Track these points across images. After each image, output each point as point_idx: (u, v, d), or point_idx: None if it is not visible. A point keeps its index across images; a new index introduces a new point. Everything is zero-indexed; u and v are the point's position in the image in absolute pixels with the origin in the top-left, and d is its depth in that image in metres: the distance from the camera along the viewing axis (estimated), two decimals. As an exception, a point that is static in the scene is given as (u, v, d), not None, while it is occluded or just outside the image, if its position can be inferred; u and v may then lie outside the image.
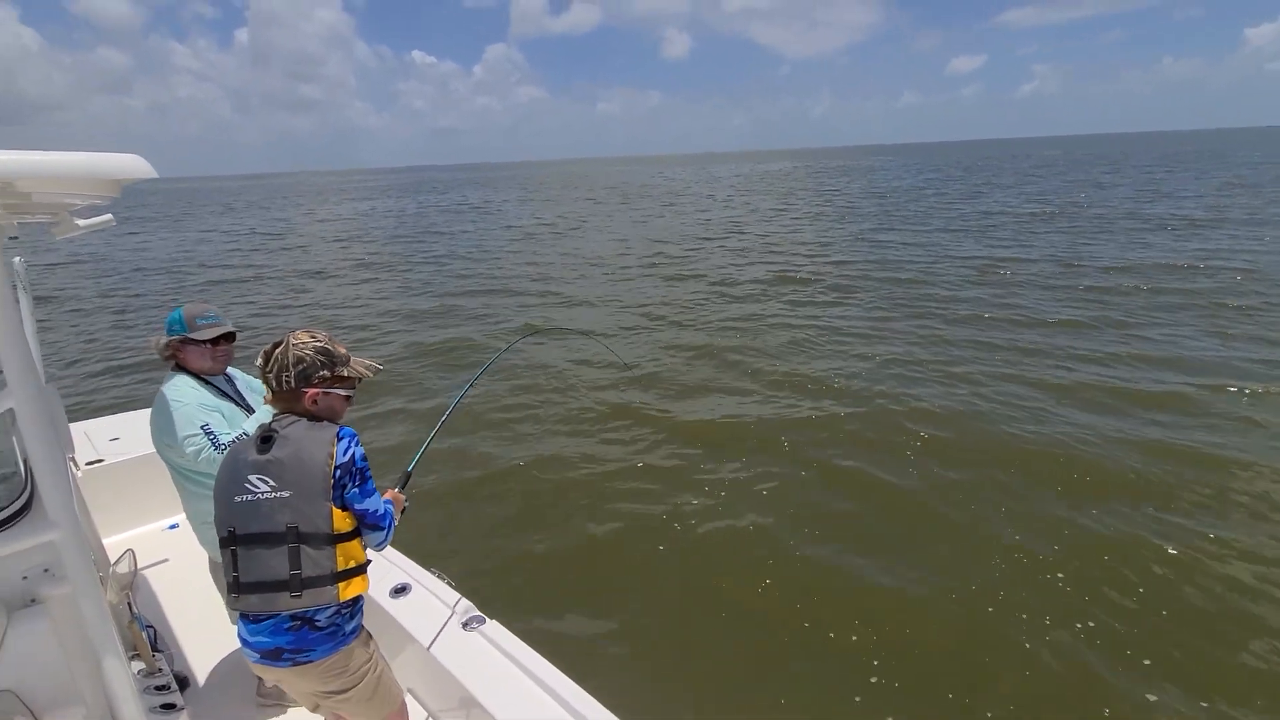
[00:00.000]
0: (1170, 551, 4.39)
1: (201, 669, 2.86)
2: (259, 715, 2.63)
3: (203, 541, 2.45)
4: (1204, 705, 3.25)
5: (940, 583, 4.21)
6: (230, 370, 2.59)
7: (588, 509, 5.29)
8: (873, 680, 3.49)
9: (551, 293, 14.05)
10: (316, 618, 1.77)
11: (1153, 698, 3.30)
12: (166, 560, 3.66)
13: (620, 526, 5.03)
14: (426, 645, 2.42)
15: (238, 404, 2.49)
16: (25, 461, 1.78)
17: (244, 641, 1.80)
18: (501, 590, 4.20)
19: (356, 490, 1.76)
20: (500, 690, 2.20)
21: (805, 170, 75.57)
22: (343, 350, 1.87)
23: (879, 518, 5.00)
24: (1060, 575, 4.22)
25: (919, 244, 17.95)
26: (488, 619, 2.53)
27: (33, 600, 1.66)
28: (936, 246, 17.33)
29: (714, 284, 13.97)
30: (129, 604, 2.23)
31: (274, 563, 1.68)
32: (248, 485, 1.70)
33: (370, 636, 1.97)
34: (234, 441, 2.15)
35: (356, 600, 1.86)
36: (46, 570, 1.67)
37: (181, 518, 3.82)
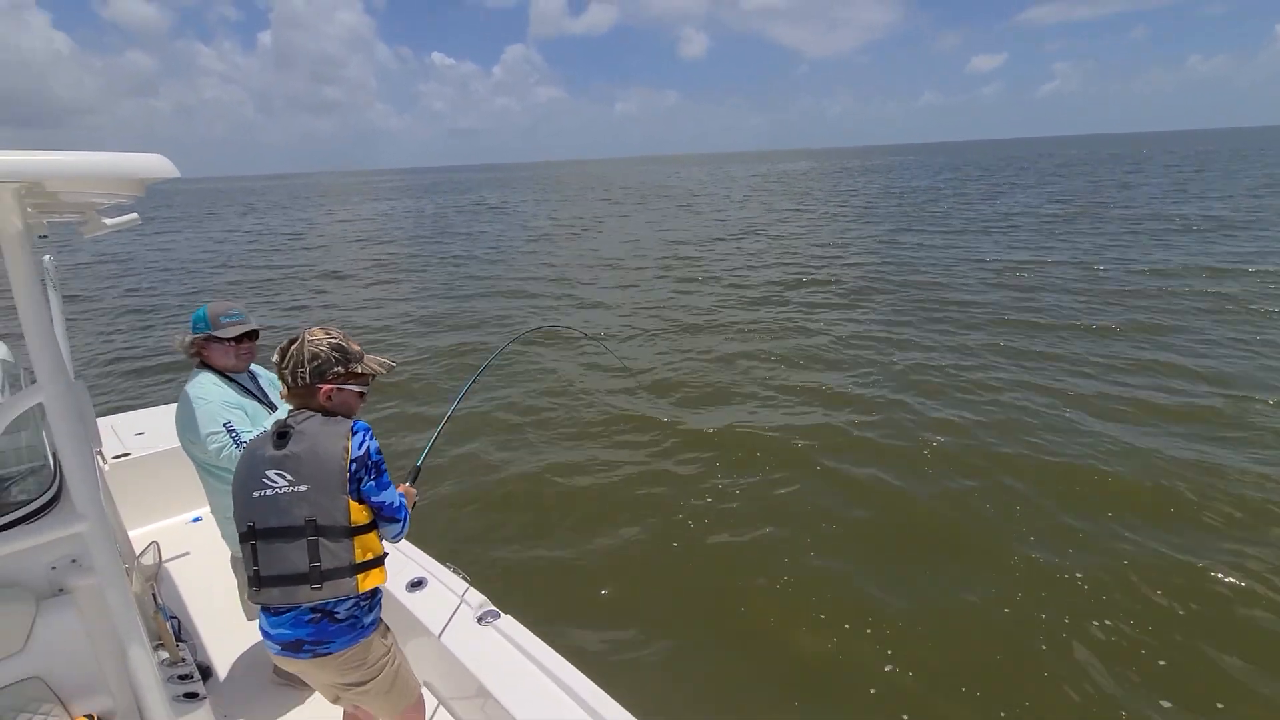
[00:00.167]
0: (1203, 570, 4.21)
1: (223, 659, 2.91)
2: (279, 705, 2.67)
3: (225, 535, 2.50)
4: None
5: (958, 596, 4.12)
6: (254, 367, 2.64)
7: (600, 514, 5.27)
8: (882, 688, 3.45)
9: (567, 295, 14.08)
10: (336, 610, 1.80)
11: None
12: (189, 553, 3.73)
13: (633, 530, 5.01)
14: (442, 639, 2.44)
15: (261, 401, 2.54)
16: (54, 455, 1.83)
17: (265, 634, 1.83)
18: (514, 591, 4.20)
19: (373, 483, 1.79)
20: (514, 684, 2.22)
21: (823, 170, 74.99)
22: (356, 347, 1.90)
23: (896, 528, 4.90)
24: (1082, 590, 4.10)
25: (937, 245, 17.74)
26: (502, 614, 2.55)
27: (61, 590, 1.70)
28: (956, 248, 17.10)
29: (730, 286, 13.90)
30: (153, 595, 2.28)
31: (293, 556, 1.70)
32: (265, 480, 1.73)
33: (388, 629, 2.00)
34: (256, 439, 2.19)
35: (375, 592, 1.90)
36: (74, 561, 1.71)
37: (205, 511, 3.90)
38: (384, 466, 1.83)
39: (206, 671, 2.77)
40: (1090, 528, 4.74)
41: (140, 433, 4.41)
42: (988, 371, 8.03)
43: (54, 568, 1.69)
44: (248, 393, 2.52)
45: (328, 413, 1.83)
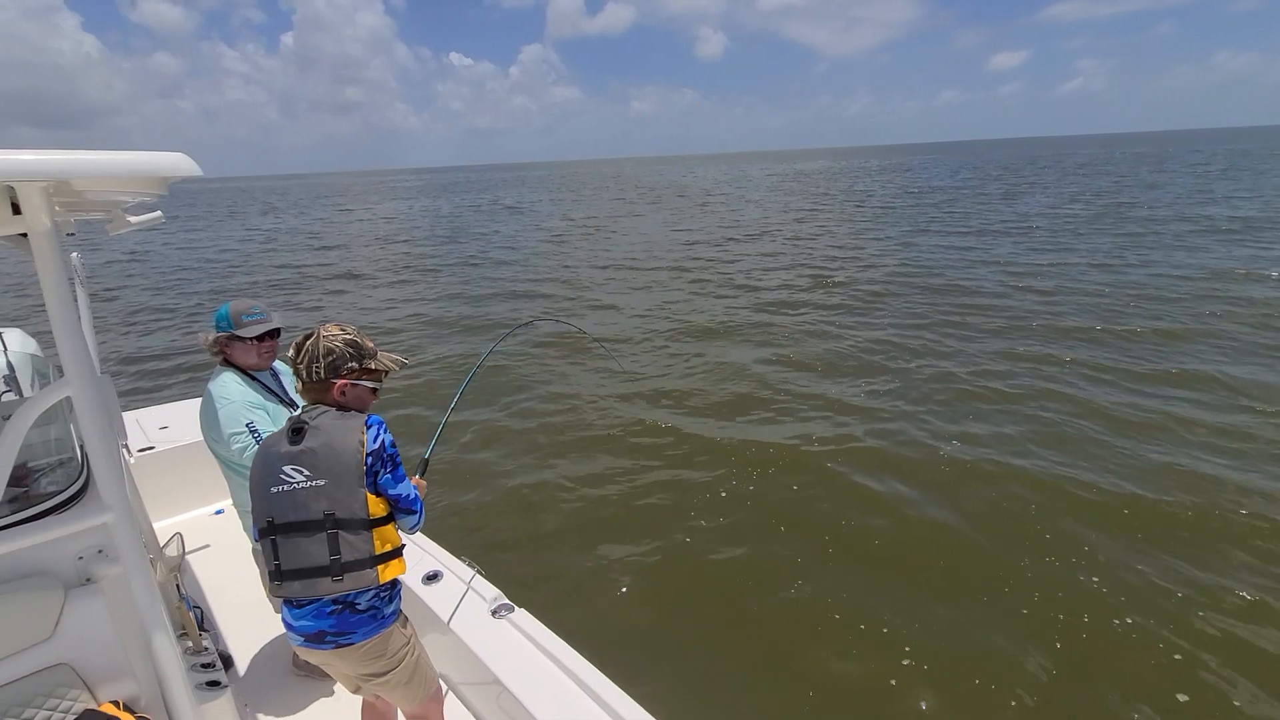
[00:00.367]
0: (1238, 593, 4.04)
1: (244, 650, 2.96)
2: (298, 695, 2.71)
3: (247, 528, 2.53)
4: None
5: (979, 618, 3.99)
6: (276, 365, 2.68)
7: (613, 520, 5.24)
8: (900, 711, 3.39)
9: (582, 296, 14.06)
10: (357, 601, 1.83)
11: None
12: (211, 545, 3.80)
13: (646, 536, 4.97)
14: (457, 631, 2.47)
15: (282, 400, 2.58)
16: (81, 448, 1.88)
17: (288, 626, 1.87)
18: (526, 591, 4.19)
19: (389, 476, 1.81)
20: (528, 675, 2.25)
21: (840, 170, 74.35)
22: (370, 344, 1.93)
23: (910, 545, 4.78)
24: (1110, 616, 3.93)
25: (955, 247, 17.53)
26: (517, 607, 2.57)
27: (88, 580, 1.75)
28: (974, 250, 16.88)
29: (744, 288, 13.81)
30: (177, 585, 2.33)
31: (313, 549, 1.73)
32: (283, 476, 1.75)
33: (408, 620, 2.03)
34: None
35: (394, 583, 1.93)
36: (100, 551, 1.75)
37: (227, 503, 3.97)
38: (399, 459, 1.86)
39: (228, 661, 2.82)
40: (1110, 545, 4.57)
41: (164, 427, 4.50)
42: (1006, 380, 7.84)
43: (81, 558, 1.73)
44: (270, 391, 2.56)
45: (341, 408, 1.85)
